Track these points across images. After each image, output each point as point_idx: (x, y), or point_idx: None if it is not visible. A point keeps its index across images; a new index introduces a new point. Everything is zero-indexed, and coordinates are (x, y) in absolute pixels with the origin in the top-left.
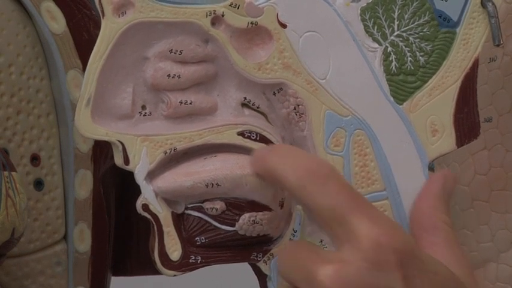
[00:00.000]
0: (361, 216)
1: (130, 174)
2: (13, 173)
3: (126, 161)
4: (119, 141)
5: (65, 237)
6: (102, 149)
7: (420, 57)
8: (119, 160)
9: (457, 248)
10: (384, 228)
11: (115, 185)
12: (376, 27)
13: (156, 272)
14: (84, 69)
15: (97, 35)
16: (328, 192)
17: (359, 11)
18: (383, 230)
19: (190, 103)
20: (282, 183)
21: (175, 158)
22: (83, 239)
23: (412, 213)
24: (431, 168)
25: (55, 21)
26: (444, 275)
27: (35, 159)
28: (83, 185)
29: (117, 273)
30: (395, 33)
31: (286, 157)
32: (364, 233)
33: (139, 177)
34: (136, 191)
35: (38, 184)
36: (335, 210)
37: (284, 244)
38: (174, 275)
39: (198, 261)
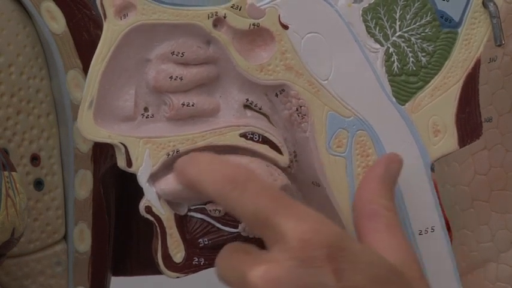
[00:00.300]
0: (284, 215)
1: (131, 174)
2: (13, 173)
3: (129, 163)
4: (121, 143)
5: (65, 237)
6: (102, 149)
7: (422, 58)
8: (121, 162)
9: (398, 233)
10: (309, 224)
11: (115, 185)
12: (378, 28)
13: (156, 272)
14: (84, 69)
15: (97, 35)
16: (248, 197)
17: (361, 12)
18: (308, 226)
19: (193, 105)
20: (205, 195)
21: None
22: (83, 239)
23: (354, 199)
24: (431, 168)
25: (55, 21)
26: (379, 264)
27: (35, 159)
28: (83, 185)
29: (117, 273)
30: (397, 34)
31: (203, 167)
32: (290, 231)
33: (142, 180)
34: (136, 191)
35: (38, 184)
36: (258, 214)
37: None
38: (177, 277)
39: (201, 263)
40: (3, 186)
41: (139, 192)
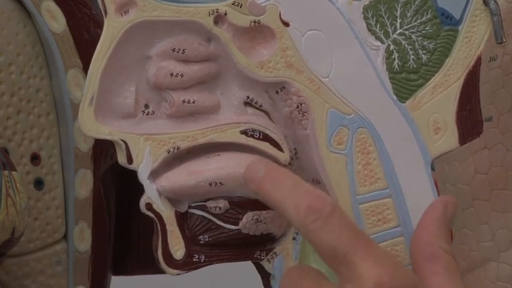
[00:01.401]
0: (363, 256)
1: (131, 173)
2: (13, 173)
3: (130, 160)
4: (122, 140)
5: (65, 237)
6: (102, 149)
7: (423, 55)
8: (122, 159)
9: (457, 277)
10: (385, 267)
11: (115, 184)
12: (378, 25)
13: (156, 271)
14: (84, 69)
15: (97, 35)
16: (330, 231)
17: (361, 9)
18: (384, 270)
19: (193, 102)
20: (282, 215)
21: (179, 157)
22: (83, 238)
23: (413, 241)
24: (432, 167)
25: (55, 21)
26: None
27: (35, 159)
28: (83, 184)
29: (117, 273)
30: (397, 32)
31: (285, 189)
32: (366, 273)
33: (143, 176)
34: (136, 190)
35: (38, 183)
36: (337, 250)
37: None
38: (178, 274)
39: (202, 260)
40: (3, 186)
41: (139, 192)
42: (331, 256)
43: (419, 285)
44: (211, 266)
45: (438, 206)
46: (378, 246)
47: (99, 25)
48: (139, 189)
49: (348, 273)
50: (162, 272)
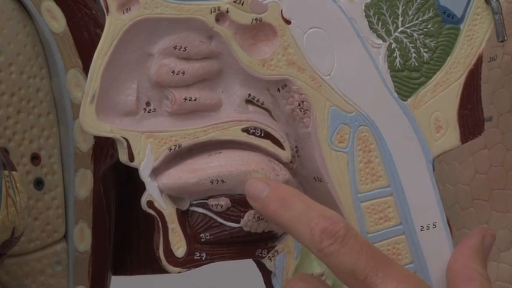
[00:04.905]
0: (384, 276)
1: (131, 173)
2: (13, 172)
3: (131, 157)
4: (123, 137)
5: (65, 237)
6: (102, 148)
7: (424, 54)
8: (123, 157)
9: None
10: (408, 287)
11: (115, 184)
12: (380, 23)
13: (156, 270)
14: (84, 69)
15: (97, 34)
16: (347, 254)
17: (363, 7)
18: None
19: (195, 100)
20: (293, 236)
21: (180, 155)
22: (83, 238)
23: (450, 262)
24: (432, 166)
25: (55, 21)
26: None
27: (35, 159)
28: (83, 184)
29: (117, 272)
30: (399, 30)
31: (298, 215)
32: None
33: (144, 174)
34: (136, 189)
35: (38, 183)
36: (357, 272)
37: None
38: (179, 272)
39: (203, 258)
40: (3, 186)
41: (139, 191)
42: (351, 278)
43: None
44: (212, 263)
45: (477, 234)
46: (397, 264)
47: (99, 25)
48: (140, 189)
49: None
50: (162, 271)
